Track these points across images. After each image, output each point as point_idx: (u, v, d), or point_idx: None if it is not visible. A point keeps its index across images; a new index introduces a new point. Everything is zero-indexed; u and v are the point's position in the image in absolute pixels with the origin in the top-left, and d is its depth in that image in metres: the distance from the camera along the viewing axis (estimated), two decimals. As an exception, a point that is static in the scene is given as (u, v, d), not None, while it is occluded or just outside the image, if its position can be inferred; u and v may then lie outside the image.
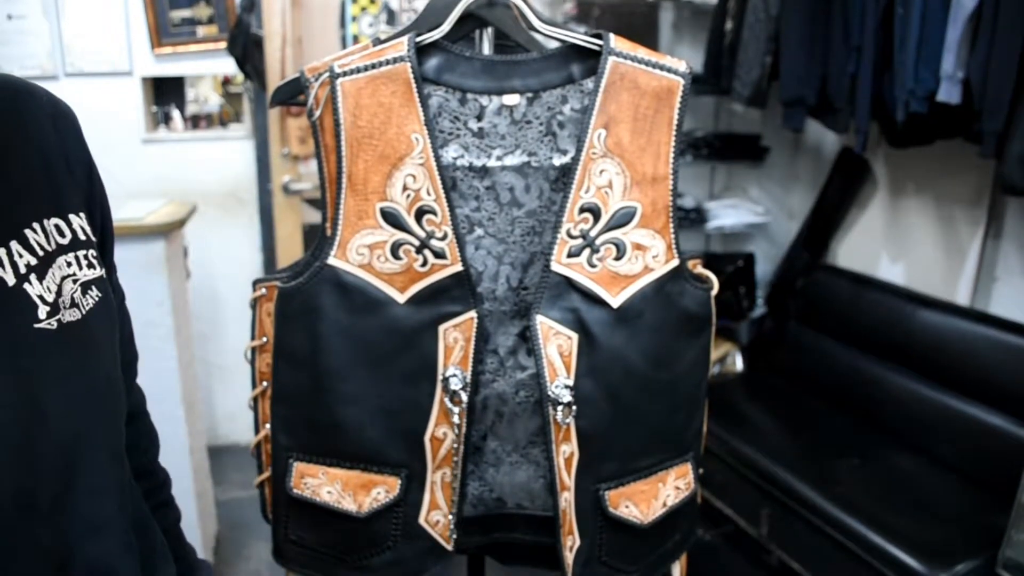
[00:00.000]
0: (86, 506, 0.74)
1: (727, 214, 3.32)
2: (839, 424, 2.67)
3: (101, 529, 0.75)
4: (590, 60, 1.07)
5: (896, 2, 2.16)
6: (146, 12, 3.07)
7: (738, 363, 3.21)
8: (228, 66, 3.10)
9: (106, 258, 0.86)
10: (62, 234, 0.75)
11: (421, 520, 1.16)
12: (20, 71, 2.99)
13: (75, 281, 0.74)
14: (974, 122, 2.04)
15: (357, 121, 1.04)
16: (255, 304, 1.22)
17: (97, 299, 0.77)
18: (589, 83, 1.07)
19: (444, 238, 1.06)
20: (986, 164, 2.31)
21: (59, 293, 0.72)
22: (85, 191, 0.81)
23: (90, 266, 0.77)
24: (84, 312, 0.74)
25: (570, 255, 1.06)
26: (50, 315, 0.71)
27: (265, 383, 1.22)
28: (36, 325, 0.69)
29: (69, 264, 0.74)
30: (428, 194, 1.05)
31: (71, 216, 0.76)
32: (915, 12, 2.09)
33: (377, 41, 1.12)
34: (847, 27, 2.37)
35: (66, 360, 0.72)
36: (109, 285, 0.80)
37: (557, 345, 1.08)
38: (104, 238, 0.86)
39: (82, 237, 0.77)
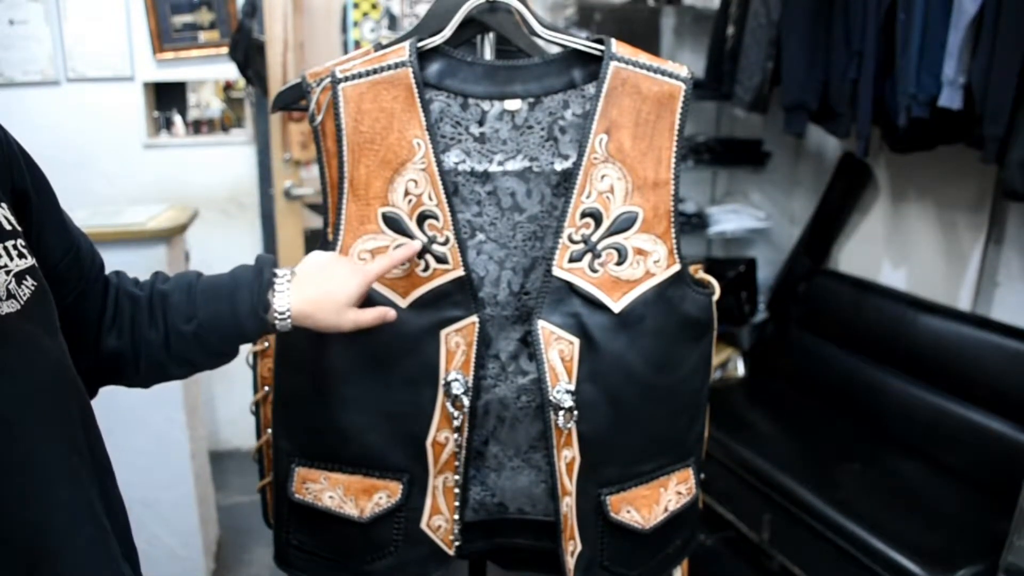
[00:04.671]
0: (54, 498, 0.73)
1: (728, 219, 3.32)
2: (841, 429, 2.67)
3: (77, 520, 0.75)
4: (592, 65, 1.07)
5: (898, 7, 2.16)
6: (148, 17, 3.07)
7: (739, 368, 3.21)
8: (230, 71, 3.10)
9: (51, 221, 0.87)
10: None
11: (423, 525, 1.16)
12: (22, 76, 3.00)
13: (7, 272, 0.73)
14: (976, 127, 2.04)
15: (359, 126, 1.04)
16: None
17: (33, 288, 0.76)
18: (591, 88, 1.07)
19: (446, 243, 1.06)
20: (988, 169, 2.31)
21: None
22: (6, 186, 0.80)
23: (20, 255, 0.76)
24: (22, 303, 0.73)
25: (571, 260, 1.06)
26: None
27: (267, 388, 1.22)
28: None
29: None
30: (430, 199, 1.05)
31: None
32: (917, 17, 2.09)
33: (379, 46, 1.12)
34: (848, 32, 2.38)
35: (12, 352, 0.71)
36: (41, 273, 0.79)
37: (559, 350, 1.08)
38: (45, 205, 0.86)
39: (7, 227, 0.76)
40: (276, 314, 0.96)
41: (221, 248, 3.27)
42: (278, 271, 0.99)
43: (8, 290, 0.72)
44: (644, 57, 1.06)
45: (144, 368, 0.97)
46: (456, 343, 1.09)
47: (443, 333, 1.09)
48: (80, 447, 0.79)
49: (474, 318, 1.09)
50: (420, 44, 1.06)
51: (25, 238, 0.79)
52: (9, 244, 0.75)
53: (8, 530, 0.70)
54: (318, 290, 0.98)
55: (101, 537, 0.78)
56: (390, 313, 1.04)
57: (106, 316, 0.95)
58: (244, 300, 0.96)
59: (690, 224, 3.25)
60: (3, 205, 0.77)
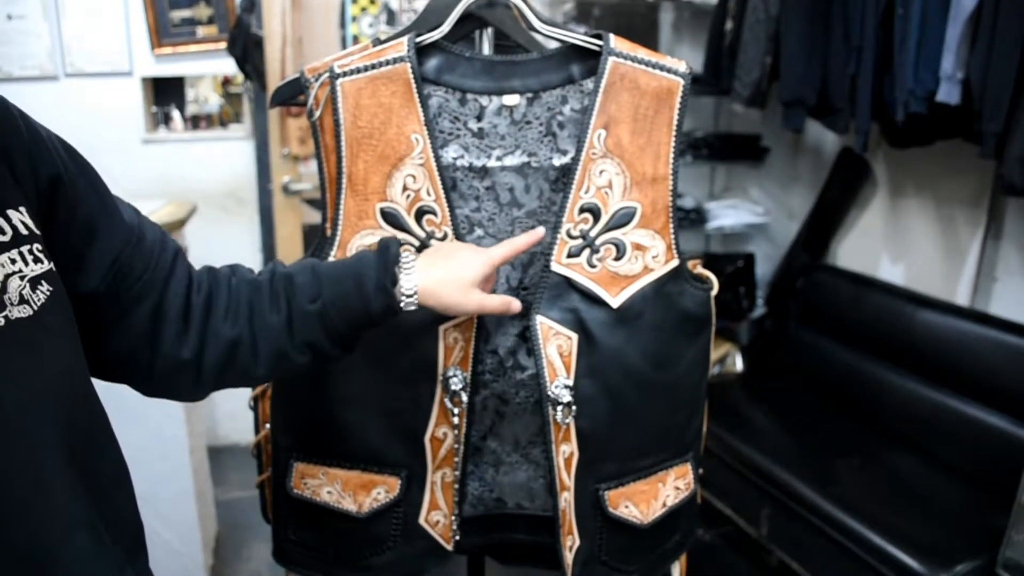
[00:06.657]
0: (50, 506, 0.73)
1: (727, 214, 3.32)
2: (839, 424, 2.67)
3: (72, 529, 0.75)
4: (590, 60, 1.07)
5: (896, 2, 2.16)
6: (146, 12, 3.07)
7: (738, 363, 3.21)
8: (228, 66, 3.09)
9: (108, 216, 0.85)
10: (2, 232, 0.73)
11: (421, 520, 1.16)
12: (20, 71, 2.99)
13: (22, 277, 0.72)
14: (974, 122, 2.04)
15: (357, 121, 1.04)
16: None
17: (48, 293, 0.75)
18: (589, 83, 1.07)
19: (444, 238, 1.06)
20: (986, 165, 2.31)
21: (4, 290, 0.70)
22: (29, 183, 0.78)
23: (36, 260, 0.75)
24: (35, 308, 0.73)
25: (570, 255, 1.06)
26: None
27: (265, 383, 1.23)
28: None
29: (13, 261, 0.72)
30: (428, 194, 1.05)
31: (9, 212, 0.74)
32: (915, 12, 2.09)
33: (377, 41, 1.12)
34: (847, 27, 2.37)
35: (18, 357, 0.71)
36: (59, 278, 0.78)
37: (557, 345, 1.08)
38: (87, 194, 0.84)
39: (24, 232, 0.75)
40: (404, 291, 0.97)
41: (220, 243, 3.27)
42: (403, 251, 0.99)
43: (21, 295, 0.72)
44: (642, 52, 1.06)
45: (264, 355, 0.96)
46: (454, 339, 1.10)
47: (441, 329, 1.09)
48: (82, 457, 0.78)
49: (472, 313, 1.09)
50: (418, 39, 1.05)
51: (66, 230, 0.78)
52: (25, 249, 0.74)
53: (8, 536, 0.69)
54: (443, 269, 0.99)
55: (99, 550, 0.77)
56: (515, 304, 1.05)
57: (218, 305, 0.94)
58: (370, 277, 0.95)
59: (688, 219, 3.25)
60: (21, 209, 0.76)
